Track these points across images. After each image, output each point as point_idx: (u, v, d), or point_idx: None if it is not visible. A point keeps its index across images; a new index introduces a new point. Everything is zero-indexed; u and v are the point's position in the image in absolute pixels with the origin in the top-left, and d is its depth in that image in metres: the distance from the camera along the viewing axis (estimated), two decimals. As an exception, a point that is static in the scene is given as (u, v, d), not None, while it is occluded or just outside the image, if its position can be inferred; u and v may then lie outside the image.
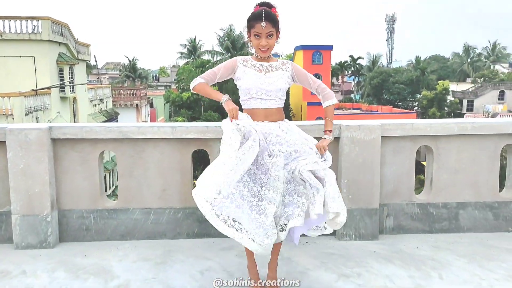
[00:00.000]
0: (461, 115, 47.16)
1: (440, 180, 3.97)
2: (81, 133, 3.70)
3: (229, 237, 2.63)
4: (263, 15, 2.64)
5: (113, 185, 23.29)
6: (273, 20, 2.67)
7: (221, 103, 2.71)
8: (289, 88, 2.98)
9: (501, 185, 4.14)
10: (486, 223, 4.02)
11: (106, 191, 3.79)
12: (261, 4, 2.74)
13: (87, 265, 3.35)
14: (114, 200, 4.00)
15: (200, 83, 2.82)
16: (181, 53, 54.12)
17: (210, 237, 3.86)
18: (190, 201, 3.87)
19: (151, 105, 42.81)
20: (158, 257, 3.51)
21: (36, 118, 18.67)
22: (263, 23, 2.64)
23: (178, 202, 3.87)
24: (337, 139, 3.81)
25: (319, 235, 3.77)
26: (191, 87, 2.88)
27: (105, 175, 21.94)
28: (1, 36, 20.43)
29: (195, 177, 4.43)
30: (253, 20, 2.69)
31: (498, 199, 4.01)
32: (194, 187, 2.96)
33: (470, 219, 4.02)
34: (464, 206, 4.00)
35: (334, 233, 3.94)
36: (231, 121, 2.66)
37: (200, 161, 24.35)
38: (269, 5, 2.74)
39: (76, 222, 3.83)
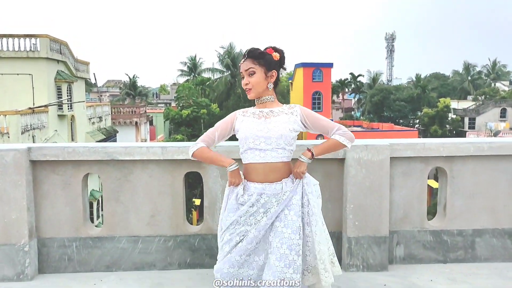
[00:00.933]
0: (463, 133, 46.92)
1: (454, 205, 3.66)
2: (63, 154, 3.41)
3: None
4: (246, 53, 2.44)
5: (100, 216, 22.68)
6: (256, 56, 2.41)
7: (227, 170, 2.42)
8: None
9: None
10: (505, 252, 3.69)
11: (93, 222, 3.46)
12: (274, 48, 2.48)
13: (66, 302, 3.02)
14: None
15: (199, 148, 2.49)
16: (182, 70, 54.26)
17: (203, 267, 3.54)
18: (182, 228, 3.57)
19: (151, 123, 42.63)
20: (146, 290, 3.18)
21: (33, 137, 18.38)
22: (242, 60, 2.45)
23: (169, 229, 3.55)
24: (342, 160, 3.52)
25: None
26: (190, 154, 2.52)
27: (91, 203, 21.38)
28: (-1, 53, 20.31)
29: (188, 201, 4.13)
30: (241, 60, 2.49)
31: (518, 225, 3.69)
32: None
33: (487, 247, 3.69)
34: (481, 234, 3.68)
35: (340, 263, 3.60)
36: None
37: (195, 183, 23.97)
38: (275, 48, 2.47)
39: (57, 252, 3.51)
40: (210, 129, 2.54)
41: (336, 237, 3.60)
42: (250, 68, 2.41)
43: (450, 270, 3.54)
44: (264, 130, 2.37)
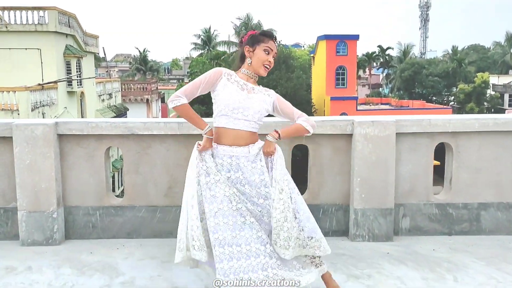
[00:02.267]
0: (502, 111, 46.35)
1: (460, 179, 4.09)
2: (87, 128, 3.95)
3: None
4: (272, 35, 2.91)
5: (121, 185, 23.77)
6: (275, 40, 2.92)
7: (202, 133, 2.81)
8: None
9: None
10: (509, 225, 4.13)
11: (114, 191, 4.03)
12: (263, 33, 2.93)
13: (93, 262, 3.59)
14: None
15: (183, 104, 2.81)
16: (195, 44, 54.54)
17: (218, 236, 4.06)
18: (198, 199, 4.09)
19: (163, 100, 43.39)
20: (164, 255, 3.73)
21: (43, 114, 19.21)
22: (269, 40, 2.87)
23: (185, 200, 4.08)
24: (349, 136, 3.98)
25: (332, 236, 3.98)
26: (170, 106, 2.83)
27: (113, 174, 22.35)
28: (6, 27, 21.07)
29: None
30: (266, 36, 2.88)
31: (523, 199, 4.11)
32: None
33: (492, 220, 4.13)
34: (486, 207, 4.12)
35: (347, 233, 4.11)
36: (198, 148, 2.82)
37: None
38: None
39: (82, 219, 4.09)
40: (193, 83, 2.84)
41: (344, 209, 4.09)
42: (275, 54, 2.90)
43: (453, 242, 4.00)
44: (245, 103, 2.77)
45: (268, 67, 2.88)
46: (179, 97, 2.80)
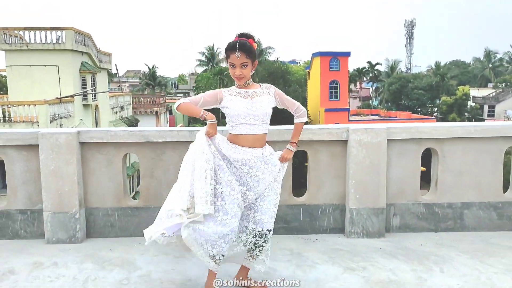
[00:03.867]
0: (481, 121, 46.49)
1: (445, 181, 4.16)
2: (107, 137, 4.02)
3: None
4: (237, 46, 2.77)
5: (133, 190, 23.79)
6: (247, 51, 2.79)
7: (205, 121, 2.87)
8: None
9: (506, 187, 4.30)
10: (490, 222, 4.18)
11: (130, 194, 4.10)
12: (240, 35, 2.87)
13: (112, 258, 3.64)
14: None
15: (184, 102, 2.91)
16: (200, 60, 54.93)
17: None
18: (207, 200, 4.15)
19: (170, 112, 43.52)
20: (177, 252, 3.76)
21: (60, 125, 19.28)
22: (238, 54, 2.77)
23: (196, 201, 4.14)
24: (345, 142, 4.04)
25: (329, 233, 4.04)
26: (175, 107, 2.97)
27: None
28: (27, 46, 21.23)
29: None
30: (228, 50, 2.83)
31: (502, 199, 4.17)
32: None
33: (474, 218, 4.18)
34: (469, 206, 4.18)
35: (343, 231, 4.16)
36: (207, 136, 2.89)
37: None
38: (248, 36, 2.88)
39: (102, 219, 4.14)
40: (196, 96, 2.95)
41: (340, 209, 4.15)
42: (244, 62, 2.81)
43: (439, 237, 4.05)
44: (253, 109, 2.87)
45: (239, 78, 2.87)
46: (182, 99, 2.94)
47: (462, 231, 4.18)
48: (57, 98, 19.70)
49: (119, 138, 4.04)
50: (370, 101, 64.46)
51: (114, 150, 4.10)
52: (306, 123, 3.25)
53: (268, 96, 2.97)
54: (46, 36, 21.52)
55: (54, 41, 21.48)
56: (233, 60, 2.82)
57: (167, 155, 4.09)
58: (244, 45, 2.79)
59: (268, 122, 3.00)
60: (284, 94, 3.09)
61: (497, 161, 4.12)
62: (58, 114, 19.27)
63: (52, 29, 21.56)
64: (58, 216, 3.98)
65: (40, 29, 21.50)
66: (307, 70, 43.46)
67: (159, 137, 4.03)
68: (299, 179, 5.66)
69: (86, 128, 4.17)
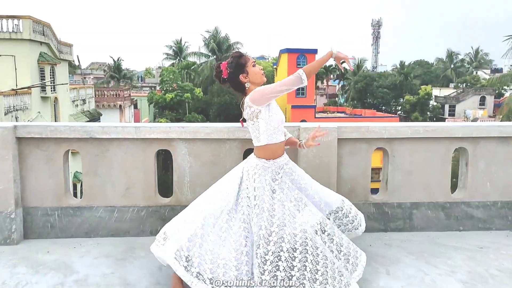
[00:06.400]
0: (442, 120, 47.97)
1: (394, 181, 4.16)
2: (46, 132, 3.79)
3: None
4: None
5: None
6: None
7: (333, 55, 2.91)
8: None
9: (454, 187, 4.35)
10: (438, 222, 4.22)
11: (76, 197, 3.89)
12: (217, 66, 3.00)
13: (49, 261, 3.44)
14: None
15: (303, 70, 2.83)
16: (167, 54, 54.01)
17: (172, 234, 3.97)
18: (153, 199, 4.00)
19: (135, 106, 42.61)
20: (120, 253, 3.62)
21: (16, 118, 18.50)
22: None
23: (142, 200, 3.98)
24: (295, 141, 3.97)
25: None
26: (305, 82, 2.84)
27: (75, 185, 21.71)
28: (-19, 34, 20.23)
29: (159, 178, 4.54)
30: (243, 55, 2.96)
31: (450, 199, 4.21)
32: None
33: (423, 218, 4.21)
34: (418, 206, 4.20)
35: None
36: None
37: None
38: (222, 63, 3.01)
39: (40, 220, 3.92)
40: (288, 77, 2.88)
41: (291, 209, 4.08)
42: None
43: (388, 238, 4.05)
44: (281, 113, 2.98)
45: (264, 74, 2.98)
46: (300, 73, 2.81)
47: (411, 231, 4.19)
48: (12, 90, 18.86)
49: (60, 133, 3.82)
50: (336, 99, 65.35)
51: (55, 146, 3.88)
52: None
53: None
54: (2, 24, 20.56)
55: (11, 30, 20.56)
56: (251, 58, 2.98)
57: (111, 152, 3.91)
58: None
59: None
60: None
61: (445, 162, 4.16)
62: (14, 106, 18.48)
63: (8, 17, 20.60)
64: (-8, 216, 3.73)
65: (-5, 17, 20.52)
66: (275, 67, 43.55)
67: (102, 133, 3.84)
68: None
69: (24, 123, 3.92)
